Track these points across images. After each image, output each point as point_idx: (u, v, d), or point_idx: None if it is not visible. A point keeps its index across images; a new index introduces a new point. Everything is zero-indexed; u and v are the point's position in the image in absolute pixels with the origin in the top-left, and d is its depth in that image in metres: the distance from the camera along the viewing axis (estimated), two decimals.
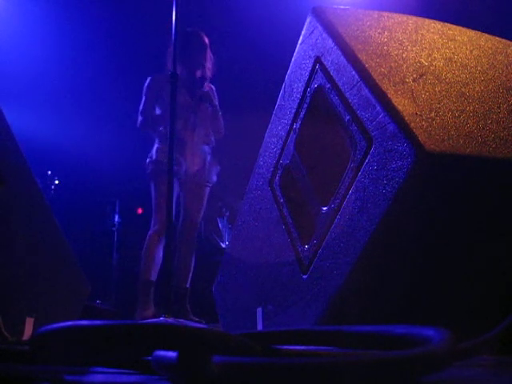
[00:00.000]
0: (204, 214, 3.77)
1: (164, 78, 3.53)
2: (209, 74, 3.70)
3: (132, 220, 5.08)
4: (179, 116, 3.22)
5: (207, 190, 3.75)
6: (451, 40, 1.16)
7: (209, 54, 3.70)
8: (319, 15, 1.19)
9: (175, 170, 3.36)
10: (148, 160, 3.56)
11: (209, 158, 3.73)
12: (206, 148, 3.73)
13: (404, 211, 0.86)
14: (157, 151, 3.55)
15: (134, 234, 4.60)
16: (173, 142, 2.42)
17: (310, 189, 1.16)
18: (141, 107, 3.67)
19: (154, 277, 3.45)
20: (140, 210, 5.18)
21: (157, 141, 3.59)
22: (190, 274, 3.60)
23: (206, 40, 3.67)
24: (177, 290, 3.46)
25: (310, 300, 1.08)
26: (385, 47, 1.07)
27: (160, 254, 3.46)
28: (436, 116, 0.90)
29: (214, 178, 3.79)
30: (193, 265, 3.62)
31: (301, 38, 1.27)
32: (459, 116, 0.91)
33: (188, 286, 3.57)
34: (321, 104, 1.15)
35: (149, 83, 3.70)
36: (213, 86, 3.78)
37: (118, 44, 5.09)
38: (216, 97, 3.75)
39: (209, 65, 3.71)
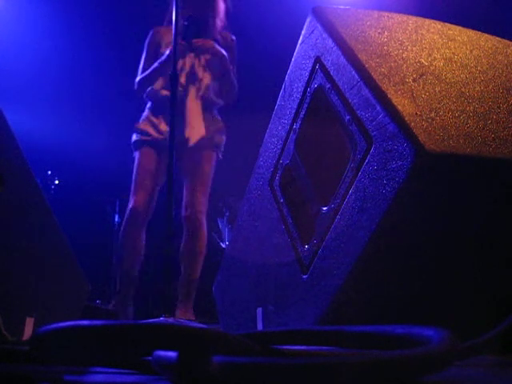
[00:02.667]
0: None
1: (165, 29, 3.21)
2: (219, 23, 3.24)
3: None
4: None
5: (213, 158, 3.19)
6: (451, 40, 1.16)
7: (219, 3, 3.24)
8: (319, 15, 1.19)
9: (159, 142, 3.02)
10: (135, 126, 3.22)
11: (212, 122, 3.20)
12: (209, 109, 3.22)
13: (404, 211, 0.86)
14: (143, 119, 3.20)
15: None
16: (173, 139, 2.41)
17: (310, 189, 1.16)
18: (140, 65, 3.27)
19: (135, 267, 3.06)
20: None
21: (146, 106, 3.24)
22: (200, 263, 3.13)
23: None
24: (184, 280, 3.06)
25: (310, 300, 1.08)
26: (385, 47, 1.08)
27: (141, 238, 3.07)
28: (436, 116, 0.90)
29: (219, 139, 3.23)
30: (204, 252, 3.15)
31: (301, 37, 1.27)
32: (459, 116, 0.91)
33: (197, 276, 3.11)
34: (321, 104, 1.15)
35: (150, 39, 3.31)
36: (233, 37, 3.32)
37: (118, 43, 5.09)
38: (233, 51, 3.28)
39: (220, 14, 3.25)
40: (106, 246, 4.94)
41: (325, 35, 1.13)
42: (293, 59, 1.31)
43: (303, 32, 1.26)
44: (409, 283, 0.94)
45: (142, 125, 3.19)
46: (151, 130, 3.14)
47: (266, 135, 1.43)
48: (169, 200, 2.26)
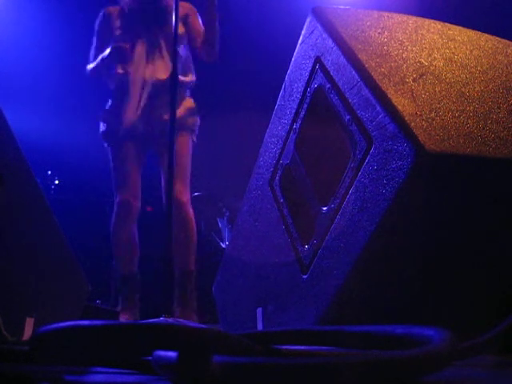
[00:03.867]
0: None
1: (118, 11, 2.99)
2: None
3: None
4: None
5: (186, 139, 2.93)
6: (451, 40, 1.16)
7: None
8: (319, 15, 1.19)
9: (131, 133, 2.78)
10: (101, 116, 3.00)
11: (184, 104, 2.96)
12: (185, 91, 2.98)
13: (404, 211, 0.86)
14: (109, 108, 2.98)
15: None
16: (173, 139, 2.40)
17: (310, 189, 1.16)
18: (92, 51, 3.03)
19: (135, 264, 2.90)
20: (149, 208, 5.02)
21: (110, 92, 3.01)
22: (192, 254, 2.93)
23: None
24: (180, 273, 2.88)
25: (310, 300, 1.08)
26: (385, 47, 1.08)
27: (136, 233, 2.90)
28: (436, 116, 0.90)
29: (191, 121, 2.98)
30: (195, 241, 2.94)
31: (301, 38, 1.27)
32: (459, 116, 0.91)
33: (193, 268, 2.91)
34: (321, 104, 1.15)
35: (101, 20, 3.06)
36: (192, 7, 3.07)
37: None
38: (197, 17, 3.01)
39: None
40: (105, 246, 4.93)
41: (325, 35, 1.13)
42: (293, 59, 1.31)
43: (303, 32, 1.26)
44: (409, 283, 0.94)
45: (109, 113, 2.99)
46: (118, 120, 2.92)
47: (266, 135, 1.43)
48: (169, 199, 2.26)
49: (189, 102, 3.02)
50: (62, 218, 1.81)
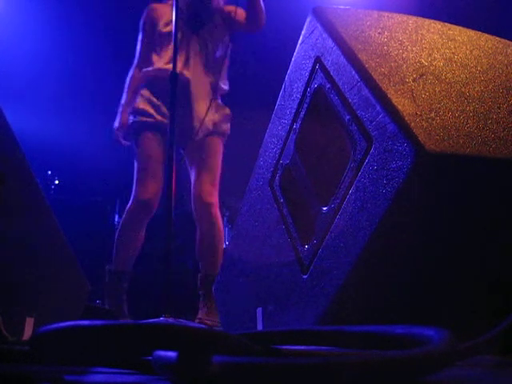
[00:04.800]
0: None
1: (163, 6, 3.00)
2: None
3: None
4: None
5: (219, 143, 2.95)
6: (451, 40, 1.16)
7: None
8: (319, 15, 1.19)
9: (162, 125, 2.73)
10: (129, 111, 2.94)
11: (218, 109, 2.99)
12: (222, 97, 3.04)
13: (404, 211, 0.86)
14: (142, 98, 2.93)
15: None
16: (173, 139, 2.40)
17: (310, 189, 1.16)
18: (137, 48, 3.03)
19: (129, 266, 2.86)
20: None
21: (142, 85, 2.96)
22: (218, 259, 2.82)
23: None
24: (204, 276, 2.84)
25: (309, 300, 1.08)
26: (385, 47, 1.08)
27: (141, 237, 2.83)
28: (436, 116, 0.90)
29: (226, 127, 3.01)
30: (221, 244, 2.89)
31: (301, 38, 1.27)
32: (459, 116, 0.91)
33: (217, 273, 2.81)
34: (321, 104, 1.15)
35: (145, 17, 3.05)
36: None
37: (119, 44, 5.09)
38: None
39: None
40: (106, 246, 4.94)
41: (325, 35, 1.13)
42: (293, 59, 1.31)
43: (303, 32, 1.26)
44: (409, 283, 0.94)
45: (142, 104, 2.90)
46: (152, 111, 2.87)
47: (266, 135, 1.43)
48: (169, 199, 2.26)
49: (226, 110, 3.07)
50: (62, 218, 1.81)
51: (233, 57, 3.21)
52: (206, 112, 2.78)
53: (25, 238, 1.45)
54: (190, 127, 2.84)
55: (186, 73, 2.86)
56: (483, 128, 0.90)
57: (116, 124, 2.96)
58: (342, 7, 1.24)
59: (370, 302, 0.97)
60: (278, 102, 1.38)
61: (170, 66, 2.50)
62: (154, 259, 4.12)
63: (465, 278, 0.94)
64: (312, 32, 1.20)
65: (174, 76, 2.43)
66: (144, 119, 2.87)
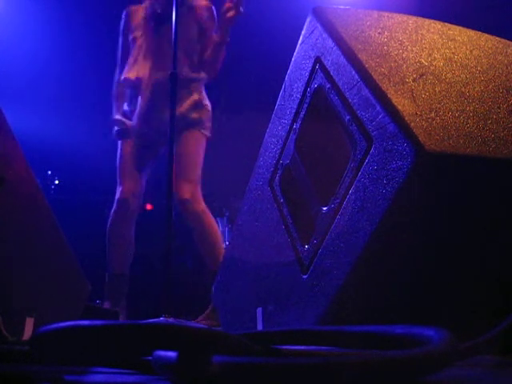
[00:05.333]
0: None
1: (138, 8, 2.99)
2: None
3: None
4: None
5: (195, 136, 2.87)
6: (451, 40, 1.16)
7: None
8: (319, 15, 1.19)
9: (134, 130, 2.81)
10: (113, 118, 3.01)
11: (188, 100, 2.92)
12: (192, 86, 2.94)
13: (404, 211, 0.86)
14: (121, 109, 2.98)
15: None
16: (173, 138, 2.40)
17: (310, 189, 1.16)
18: (118, 54, 3.07)
19: (127, 264, 2.89)
20: (149, 206, 4.98)
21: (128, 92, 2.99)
22: (219, 254, 2.76)
23: None
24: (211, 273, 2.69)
25: (309, 300, 1.08)
26: (385, 47, 1.08)
27: (131, 233, 2.88)
28: (436, 116, 0.90)
29: (199, 118, 2.93)
30: (216, 242, 2.85)
31: (301, 38, 1.27)
32: (459, 116, 0.91)
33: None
34: (321, 104, 1.15)
35: (121, 22, 3.05)
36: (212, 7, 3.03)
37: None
38: (213, 17, 2.97)
39: None
40: (106, 247, 4.93)
41: (325, 35, 1.13)
42: (293, 59, 1.31)
43: (303, 32, 1.26)
44: (409, 283, 0.94)
45: (119, 115, 3.01)
46: (124, 119, 2.97)
47: (266, 135, 1.43)
48: (168, 199, 2.26)
49: (194, 96, 2.95)
50: (62, 218, 1.81)
51: (233, 57, 3.21)
52: (177, 107, 2.69)
53: (25, 238, 1.45)
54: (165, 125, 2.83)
55: (155, 74, 2.88)
56: (483, 128, 0.90)
57: (114, 116, 3.03)
58: (342, 7, 1.24)
59: (370, 301, 0.96)
60: (278, 102, 1.38)
61: (132, 74, 2.75)
62: (153, 259, 4.12)
63: (465, 278, 0.94)
64: (312, 32, 1.20)
65: (174, 76, 2.44)
66: (122, 127, 2.96)
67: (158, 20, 2.94)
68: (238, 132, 3.42)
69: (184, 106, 2.86)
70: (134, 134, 2.95)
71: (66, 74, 5.32)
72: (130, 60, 3.01)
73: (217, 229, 2.95)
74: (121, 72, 3.07)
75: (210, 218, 2.90)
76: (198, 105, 2.95)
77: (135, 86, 2.93)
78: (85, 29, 5.19)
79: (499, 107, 0.96)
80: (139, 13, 3.01)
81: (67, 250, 1.76)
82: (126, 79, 2.99)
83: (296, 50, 1.30)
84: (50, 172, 5.21)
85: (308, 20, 1.24)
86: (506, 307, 0.81)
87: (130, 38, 3.02)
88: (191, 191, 2.83)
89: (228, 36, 2.86)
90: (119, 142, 3.01)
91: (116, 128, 2.99)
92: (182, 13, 2.76)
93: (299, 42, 1.28)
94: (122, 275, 2.90)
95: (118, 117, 3.00)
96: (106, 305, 2.86)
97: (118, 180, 2.94)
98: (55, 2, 5.09)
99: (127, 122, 2.99)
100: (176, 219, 2.30)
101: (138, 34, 2.96)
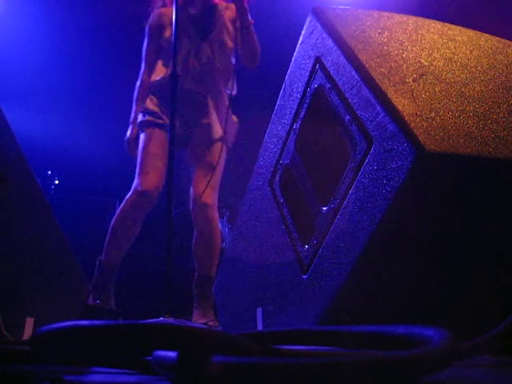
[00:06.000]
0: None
1: (171, 11, 2.79)
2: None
3: None
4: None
5: (220, 149, 2.87)
6: (451, 40, 1.16)
7: None
8: (319, 15, 1.19)
9: (164, 125, 2.73)
10: (142, 107, 2.96)
11: (224, 108, 2.93)
12: (223, 93, 2.97)
13: (404, 211, 0.86)
14: (151, 99, 2.94)
15: None
16: (173, 138, 2.40)
17: (310, 189, 1.16)
18: (143, 52, 3.02)
19: (118, 260, 2.80)
20: None
21: (151, 91, 2.98)
22: (214, 260, 2.82)
23: None
24: (198, 277, 2.80)
25: (309, 300, 1.08)
26: (385, 47, 1.07)
27: (135, 231, 2.79)
28: (436, 116, 0.90)
29: (231, 136, 2.99)
30: (217, 246, 2.86)
31: (301, 38, 1.27)
32: (459, 116, 0.91)
33: (213, 274, 2.78)
34: (321, 104, 1.15)
35: (152, 23, 3.01)
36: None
37: (119, 44, 5.09)
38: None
39: None
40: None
41: (325, 35, 1.13)
42: (293, 59, 1.31)
43: (303, 32, 1.26)
44: (409, 283, 0.94)
45: (152, 105, 2.93)
46: (161, 113, 2.89)
47: (266, 135, 1.43)
48: (169, 199, 2.26)
49: (234, 118, 3.04)
50: (62, 218, 1.81)
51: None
52: (216, 119, 2.86)
53: (25, 238, 1.45)
54: (200, 130, 2.89)
55: (195, 79, 2.88)
56: (483, 128, 0.90)
57: (127, 135, 3.00)
58: (341, 7, 1.24)
59: (370, 302, 0.96)
60: (278, 102, 1.38)
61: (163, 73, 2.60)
62: (153, 259, 4.12)
63: (465, 278, 0.94)
64: (312, 32, 1.20)
65: (174, 76, 2.44)
66: (152, 119, 2.90)
67: (195, 23, 2.94)
68: (238, 132, 3.41)
69: (229, 126, 2.93)
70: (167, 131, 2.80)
71: (66, 74, 5.32)
72: (163, 62, 2.94)
73: (220, 239, 2.97)
74: (149, 73, 3.01)
75: (218, 227, 2.92)
76: (235, 127, 3.04)
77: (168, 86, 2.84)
78: (85, 29, 5.19)
79: (499, 107, 0.96)
80: (169, 15, 2.91)
81: (67, 250, 1.76)
82: (163, 78, 2.87)
83: (296, 50, 1.29)
84: (49, 172, 5.21)
85: (308, 20, 1.24)
86: (505, 307, 0.81)
87: (162, 39, 2.97)
88: (213, 198, 2.86)
89: (247, 18, 2.87)
90: (145, 133, 2.90)
91: (143, 118, 2.93)
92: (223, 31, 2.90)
93: (299, 42, 1.28)
94: (115, 265, 2.82)
95: (129, 136, 2.97)
96: (92, 294, 2.77)
97: (140, 170, 2.81)
98: (55, 2, 5.09)
99: (135, 150, 2.95)
100: (176, 219, 2.30)
101: (171, 36, 2.83)
